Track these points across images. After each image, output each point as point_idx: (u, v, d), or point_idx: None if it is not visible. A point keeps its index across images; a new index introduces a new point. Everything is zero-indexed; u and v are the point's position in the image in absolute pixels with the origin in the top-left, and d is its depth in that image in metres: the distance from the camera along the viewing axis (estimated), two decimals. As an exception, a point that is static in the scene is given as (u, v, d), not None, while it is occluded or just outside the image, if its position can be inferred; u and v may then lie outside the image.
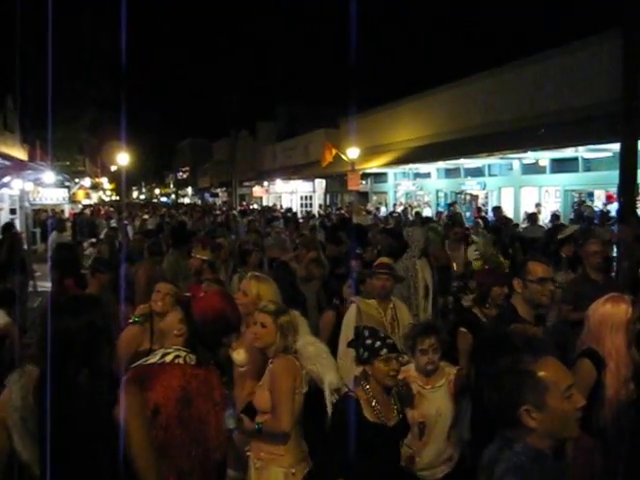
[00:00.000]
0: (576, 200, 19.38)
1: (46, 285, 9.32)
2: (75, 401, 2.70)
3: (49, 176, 24.68)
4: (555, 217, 15.60)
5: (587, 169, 18.70)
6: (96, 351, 2.81)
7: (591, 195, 19.18)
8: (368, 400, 3.77)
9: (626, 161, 12.74)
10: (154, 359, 3.30)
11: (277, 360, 3.96)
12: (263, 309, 4.11)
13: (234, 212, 25.22)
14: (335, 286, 6.59)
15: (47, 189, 25.81)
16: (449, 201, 24.84)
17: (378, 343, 3.79)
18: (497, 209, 17.67)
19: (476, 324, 5.09)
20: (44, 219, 25.88)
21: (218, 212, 27.88)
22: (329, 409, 4.10)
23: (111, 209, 32.66)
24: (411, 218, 20.44)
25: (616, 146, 13.54)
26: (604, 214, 15.05)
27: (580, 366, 3.80)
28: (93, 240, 14.02)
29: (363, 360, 3.83)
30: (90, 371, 2.77)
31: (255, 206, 36.95)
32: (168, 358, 3.29)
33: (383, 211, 26.48)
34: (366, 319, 5.11)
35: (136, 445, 2.86)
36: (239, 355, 4.28)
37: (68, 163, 35.92)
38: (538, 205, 19.29)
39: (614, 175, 13.50)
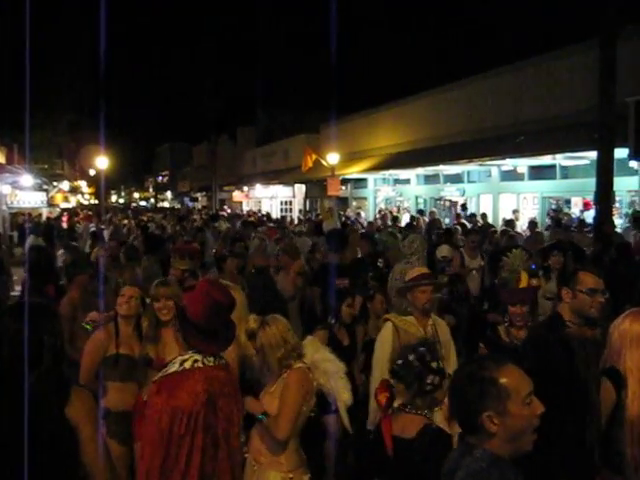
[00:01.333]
0: (554, 207, 19.57)
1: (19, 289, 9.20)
2: (21, 402, 2.67)
3: (27, 179, 24.47)
4: (532, 224, 15.73)
5: (564, 176, 18.90)
6: (43, 355, 2.80)
7: (568, 202, 19.37)
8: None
9: (602, 169, 12.94)
10: (174, 368, 3.29)
11: (292, 371, 3.97)
12: (249, 334, 4.17)
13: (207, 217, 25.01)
14: (328, 302, 6.13)
15: (25, 192, 25.59)
16: (431, 207, 25.01)
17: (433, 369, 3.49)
18: (474, 216, 17.86)
19: (494, 342, 4.88)
20: (22, 222, 25.64)
21: (196, 217, 27.75)
22: (347, 426, 4.34)
23: (89, 213, 32.38)
24: (390, 224, 20.52)
25: (593, 154, 13.73)
26: (581, 221, 15.22)
27: (601, 387, 3.70)
28: (73, 243, 13.87)
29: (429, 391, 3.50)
30: (38, 373, 2.76)
31: (229, 211, 36.80)
32: (187, 364, 3.29)
33: (363, 216, 26.54)
34: (405, 338, 4.72)
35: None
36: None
37: (46, 166, 35.71)
38: (515, 212, 19.47)
39: (591, 182, 13.70)
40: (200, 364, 3.32)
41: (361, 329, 6.29)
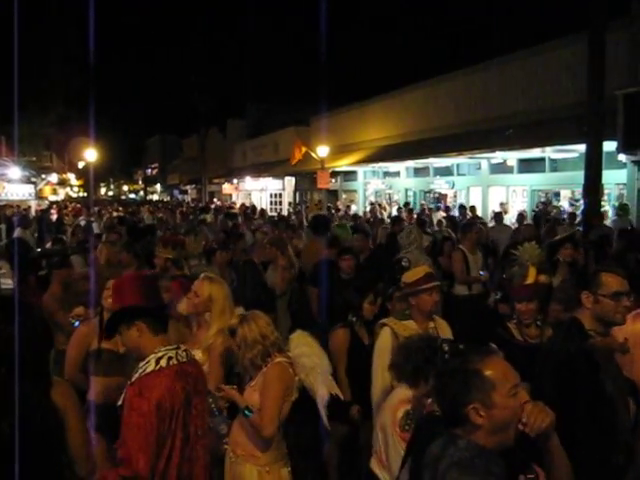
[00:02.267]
0: (542, 200, 19.63)
1: (8, 282, 9.16)
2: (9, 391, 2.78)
3: (15, 172, 24.37)
4: (521, 217, 15.77)
5: (554, 169, 18.96)
6: (29, 353, 2.87)
7: (557, 195, 19.45)
8: None
9: (591, 162, 12.97)
10: (151, 367, 3.15)
11: (272, 365, 3.97)
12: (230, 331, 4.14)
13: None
14: (351, 299, 5.61)
15: (13, 185, 25.44)
16: (421, 199, 25.09)
17: None
18: (464, 208, 17.89)
19: (504, 340, 4.49)
20: (10, 215, 25.47)
21: (184, 209, 27.70)
22: (325, 422, 4.21)
23: (78, 205, 32.20)
24: (379, 216, 20.57)
25: (582, 147, 13.77)
26: (571, 214, 15.27)
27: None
28: (60, 237, 13.78)
29: None
30: (22, 371, 2.83)
31: (219, 203, 36.74)
32: (163, 362, 3.16)
33: (354, 209, 26.55)
34: None
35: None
36: (196, 356, 4.27)
37: (34, 159, 35.47)
38: (503, 204, 19.54)
39: (580, 175, 13.73)
40: (175, 361, 3.20)
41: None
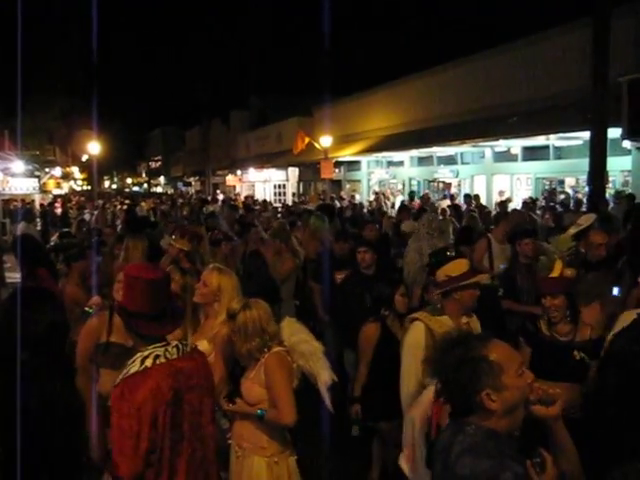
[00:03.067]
0: (547, 188, 19.61)
1: (15, 276, 9.20)
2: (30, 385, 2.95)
3: (18, 165, 24.34)
4: (526, 204, 15.73)
5: (558, 157, 18.92)
6: (52, 341, 3.03)
7: (562, 182, 19.41)
8: None
9: (596, 149, 12.93)
10: (135, 368, 3.06)
11: (269, 355, 3.93)
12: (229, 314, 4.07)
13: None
14: (382, 293, 5.40)
15: (16, 179, 25.41)
16: (425, 189, 25.05)
17: None
18: (469, 197, 17.85)
19: (536, 337, 4.35)
20: (14, 209, 25.52)
21: (182, 201, 27.75)
22: (328, 405, 4.15)
23: (82, 199, 32.27)
24: (384, 206, 20.56)
25: (586, 134, 13.72)
26: (577, 201, 15.22)
27: None
28: (65, 230, 13.81)
29: None
30: (46, 359, 3.01)
31: (221, 195, 36.74)
32: (149, 362, 3.06)
33: (357, 199, 26.52)
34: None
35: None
36: (202, 346, 4.25)
37: (38, 152, 35.42)
38: (502, 192, 19.49)
39: (584, 163, 13.70)
40: (162, 359, 3.09)
41: None
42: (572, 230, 7.34)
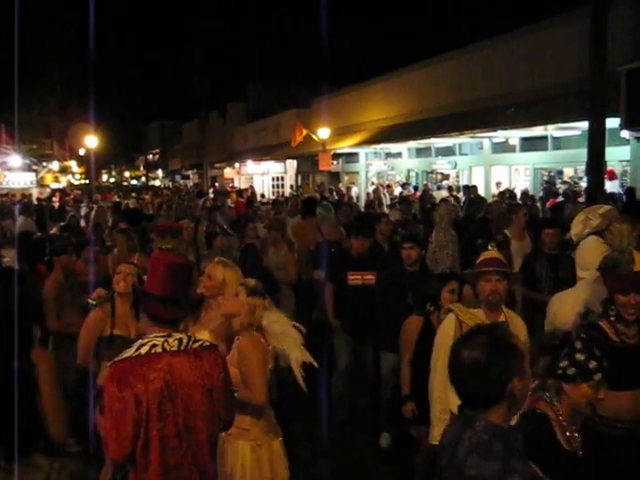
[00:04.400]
0: (545, 178, 19.60)
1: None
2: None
3: (15, 160, 24.33)
4: (525, 195, 15.71)
5: (556, 147, 18.90)
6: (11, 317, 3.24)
7: (560, 173, 19.40)
8: (559, 423, 3.00)
9: (594, 139, 12.89)
10: (129, 353, 3.07)
11: (244, 337, 4.09)
12: (243, 283, 4.29)
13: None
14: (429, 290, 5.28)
15: (14, 173, 25.40)
16: (424, 180, 25.04)
17: (593, 364, 2.96)
18: (468, 188, 17.83)
19: (601, 341, 3.69)
20: (12, 203, 25.43)
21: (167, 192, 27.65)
22: (301, 384, 4.23)
23: (78, 192, 32.11)
24: (384, 198, 20.53)
25: (584, 124, 13.68)
26: (574, 192, 15.19)
27: None
28: (62, 224, 13.80)
29: (565, 376, 3.00)
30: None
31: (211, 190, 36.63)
32: (143, 350, 3.06)
33: (355, 191, 26.47)
34: None
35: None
36: (203, 337, 4.27)
37: (35, 146, 35.40)
38: (499, 184, 19.46)
39: (583, 153, 13.68)
40: (159, 349, 3.07)
41: None
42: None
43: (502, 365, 2.26)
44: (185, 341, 3.17)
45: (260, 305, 4.18)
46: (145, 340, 3.12)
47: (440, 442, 2.42)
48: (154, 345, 3.08)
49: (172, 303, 3.18)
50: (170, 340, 3.12)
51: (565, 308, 4.56)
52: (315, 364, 4.32)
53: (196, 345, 3.20)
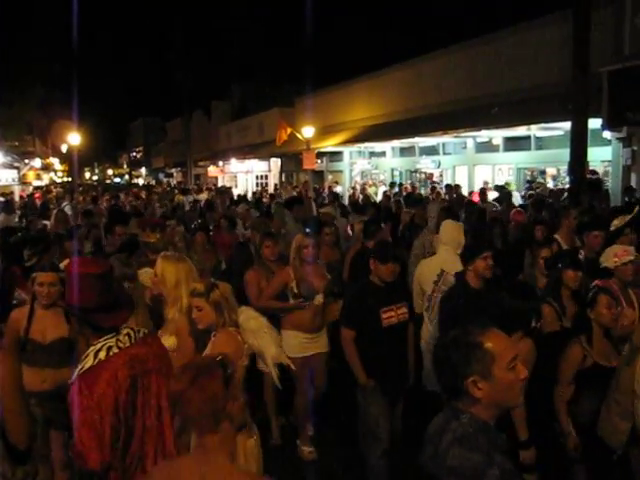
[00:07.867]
0: (528, 179, 19.70)
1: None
2: None
3: (-3, 157, 24.09)
4: (508, 195, 15.73)
5: (539, 147, 19.00)
6: None
7: (543, 173, 19.51)
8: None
9: (576, 139, 12.99)
10: (90, 362, 3.06)
11: (219, 334, 4.05)
12: (194, 293, 4.16)
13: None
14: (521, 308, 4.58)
15: (-5, 170, 25.17)
16: (407, 180, 25.08)
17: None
18: (450, 187, 17.89)
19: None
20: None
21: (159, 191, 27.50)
22: (275, 380, 4.30)
23: (60, 190, 31.85)
24: (372, 197, 20.52)
25: (567, 124, 13.78)
26: (558, 190, 15.26)
27: None
28: (45, 222, 13.66)
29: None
30: None
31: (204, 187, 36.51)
32: (102, 355, 3.07)
33: (339, 190, 26.46)
34: None
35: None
36: (168, 341, 4.22)
37: (17, 143, 35.09)
38: (486, 183, 19.53)
39: (565, 153, 13.76)
40: (115, 349, 3.10)
41: None
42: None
43: (455, 362, 2.32)
44: (132, 334, 3.23)
45: (222, 298, 4.10)
46: (99, 345, 3.11)
47: (427, 431, 2.43)
48: (110, 347, 3.10)
49: (107, 311, 3.18)
50: (121, 337, 3.17)
51: (429, 268, 6.25)
52: (292, 366, 4.34)
53: (141, 335, 3.28)
